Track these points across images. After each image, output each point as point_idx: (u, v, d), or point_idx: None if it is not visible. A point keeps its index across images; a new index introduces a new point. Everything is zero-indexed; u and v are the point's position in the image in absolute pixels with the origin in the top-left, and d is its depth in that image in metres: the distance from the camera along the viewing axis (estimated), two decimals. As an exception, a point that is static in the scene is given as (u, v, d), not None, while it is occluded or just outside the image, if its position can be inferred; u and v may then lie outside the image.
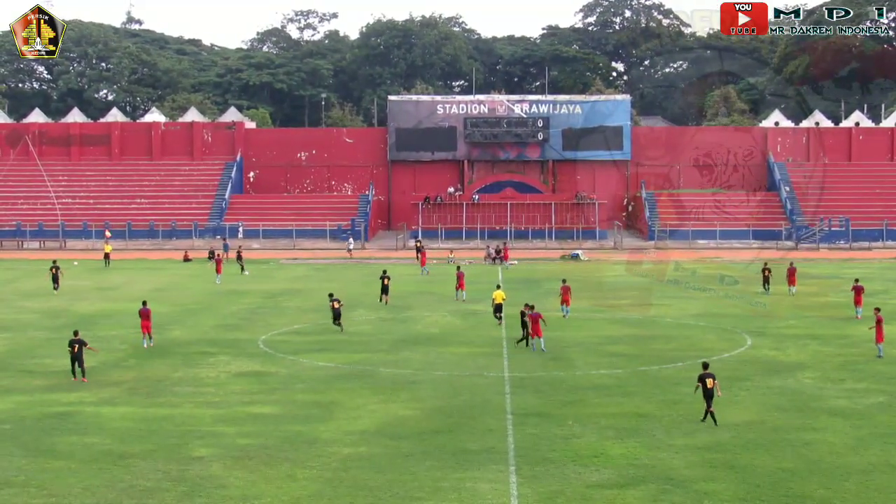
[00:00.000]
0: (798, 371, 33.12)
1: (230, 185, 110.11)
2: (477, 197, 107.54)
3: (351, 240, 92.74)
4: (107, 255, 75.76)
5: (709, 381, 26.03)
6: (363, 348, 37.84)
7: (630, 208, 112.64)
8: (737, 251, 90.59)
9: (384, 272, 53.55)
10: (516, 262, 79.43)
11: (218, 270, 63.99)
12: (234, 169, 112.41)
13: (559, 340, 39.66)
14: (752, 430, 25.25)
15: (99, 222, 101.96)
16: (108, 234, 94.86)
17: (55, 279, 58.84)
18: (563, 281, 48.38)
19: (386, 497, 20.22)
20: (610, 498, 20.15)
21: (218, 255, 71.17)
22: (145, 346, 38.41)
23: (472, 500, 20.07)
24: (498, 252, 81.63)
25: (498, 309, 43.61)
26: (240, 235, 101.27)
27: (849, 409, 27.72)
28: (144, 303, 40.06)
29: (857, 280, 48.12)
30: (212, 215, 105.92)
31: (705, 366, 26.94)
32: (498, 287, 46.32)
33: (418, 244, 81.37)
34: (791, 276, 55.73)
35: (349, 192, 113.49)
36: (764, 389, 30.23)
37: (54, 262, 61.71)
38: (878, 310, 36.51)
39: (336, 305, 42.19)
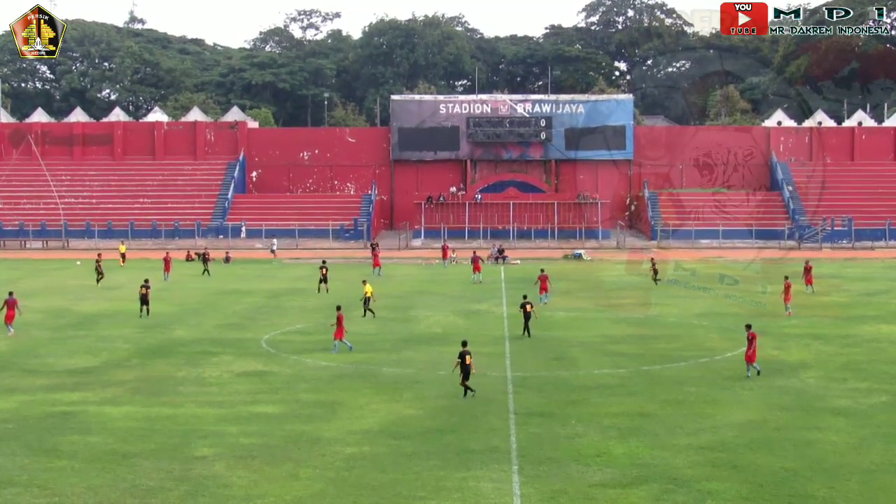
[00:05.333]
0: (801, 370, 33.10)
1: (233, 184, 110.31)
2: (480, 196, 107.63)
3: (275, 240, 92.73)
4: (122, 256, 76.20)
5: (467, 358, 28.31)
6: (366, 348, 37.81)
7: (633, 208, 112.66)
8: (739, 251, 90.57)
9: (323, 262, 59.37)
10: (519, 261, 79.58)
11: (166, 269, 64.50)
12: (237, 168, 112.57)
13: (562, 340, 39.72)
14: (754, 430, 25.23)
15: (102, 222, 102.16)
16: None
17: (99, 271, 60.57)
18: (542, 270, 52.29)
19: (389, 496, 20.22)
20: (613, 497, 20.14)
21: (167, 254, 71.99)
22: (10, 333, 40.22)
23: (475, 499, 20.07)
24: (500, 252, 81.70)
25: (366, 302, 46.40)
26: (242, 235, 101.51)
27: (851, 408, 27.69)
28: (11, 293, 41.73)
29: (786, 277, 48.65)
30: (214, 215, 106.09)
31: (464, 343, 29.23)
32: (364, 282, 48.38)
33: (373, 244, 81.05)
34: (807, 274, 55.95)
35: (352, 192, 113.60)
36: (766, 389, 30.21)
37: (99, 255, 63.26)
38: (749, 327, 32.36)
39: (143, 291, 46.27)
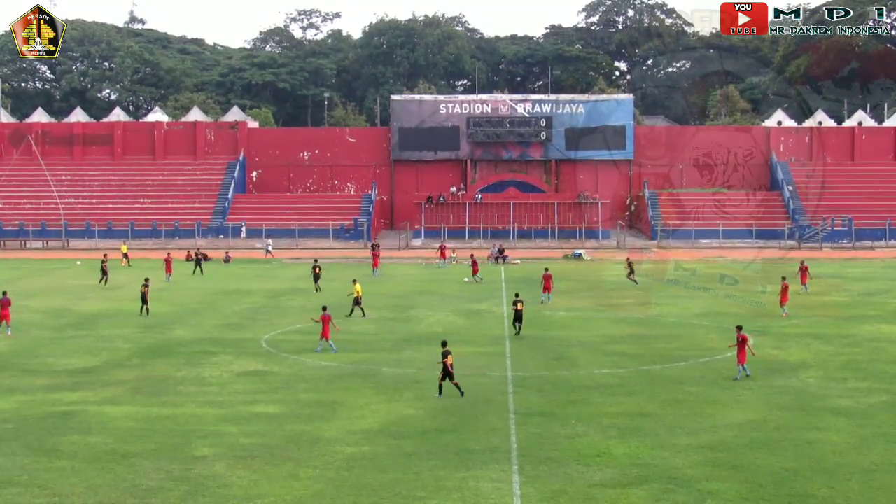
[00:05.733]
0: (801, 370, 33.10)
1: (233, 184, 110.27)
2: (480, 196, 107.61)
3: (269, 241, 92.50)
4: (125, 256, 75.64)
5: (449, 358, 28.74)
6: (366, 348, 37.83)
7: (633, 208, 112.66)
8: (739, 251, 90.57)
9: (315, 261, 60.97)
10: (519, 261, 79.59)
11: (168, 270, 63.82)
12: (237, 168, 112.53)
13: (562, 340, 39.73)
14: (754, 430, 25.24)
15: (102, 222, 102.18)
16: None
17: (104, 271, 60.19)
18: (546, 269, 53.25)
19: (389, 496, 20.22)
20: (613, 497, 20.15)
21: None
22: (8, 333, 40.60)
23: (475, 499, 20.07)
24: (501, 252, 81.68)
25: (357, 301, 46.54)
26: (242, 235, 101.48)
27: (852, 408, 27.70)
28: (4, 293, 42.06)
29: (784, 278, 48.27)
30: (215, 215, 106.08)
31: (444, 343, 29.65)
32: (354, 282, 48.29)
33: (374, 245, 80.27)
34: (803, 274, 55.75)
35: (352, 192, 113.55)
36: (766, 389, 30.21)
37: (105, 255, 63.29)
38: (739, 328, 32.23)
39: (143, 290, 47.16)
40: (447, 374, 28.85)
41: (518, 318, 40.57)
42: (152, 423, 26.05)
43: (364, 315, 45.92)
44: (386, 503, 19.94)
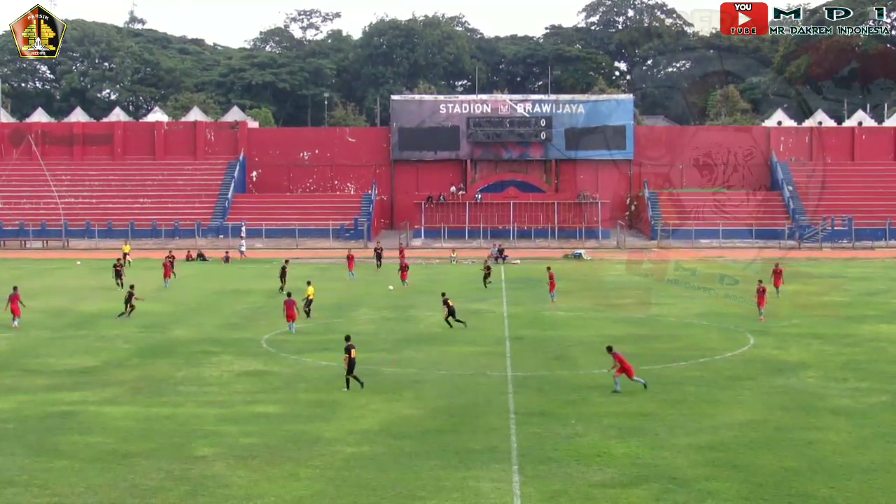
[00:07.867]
0: (801, 370, 33.10)
1: (233, 184, 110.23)
2: (480, 196, 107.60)
3: (243, 241, 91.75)
4: (125, 255, 74.08)
5: (352, 352, 29.76)
6: (366, 348, 37.72)
7: (633, 208, 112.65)
8: (739, 251, 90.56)
9: (286, 261, 60.95)
10: (519, 261, 79.62)
11: (166, 275, 61.04)
12: (237, 168, 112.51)
13: (562, 340, 39.72)
14: (755, 430, 25.24)
15: (102, 222, 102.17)
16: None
17: (118, 275, 59.12)
18: (548, 268, 54.13)
19: (389, 496, 20.23)
20: (613, 497, 20.15)
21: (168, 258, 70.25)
22: (15, 325, 42.78)
23: (475, 499, 20.07)
24: (501, 252, 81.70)
25: (308, 303, 46.65)
26: (242, 235, 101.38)
27: (852, 408, 27.70)
28: (15, 288, 44.47)
29: (760, 281, 46.81)
30: (215, 215, 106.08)
31: (347, 338, 30.67)
32: (308, 283, 48.44)
33: (376, 249, 78.79)
34: (776, 276, 53.70)
35: (352, 192, 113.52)
36: (767, 388, 30.22)
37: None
38: (610, 349, 31.00)
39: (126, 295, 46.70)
40: (350, 367, 29.72)
41: (452, 313, 42.53)
42: (152, 423, 26.05)
43: (308, 316, 45.53)
44: (386, 503, 19.94)
